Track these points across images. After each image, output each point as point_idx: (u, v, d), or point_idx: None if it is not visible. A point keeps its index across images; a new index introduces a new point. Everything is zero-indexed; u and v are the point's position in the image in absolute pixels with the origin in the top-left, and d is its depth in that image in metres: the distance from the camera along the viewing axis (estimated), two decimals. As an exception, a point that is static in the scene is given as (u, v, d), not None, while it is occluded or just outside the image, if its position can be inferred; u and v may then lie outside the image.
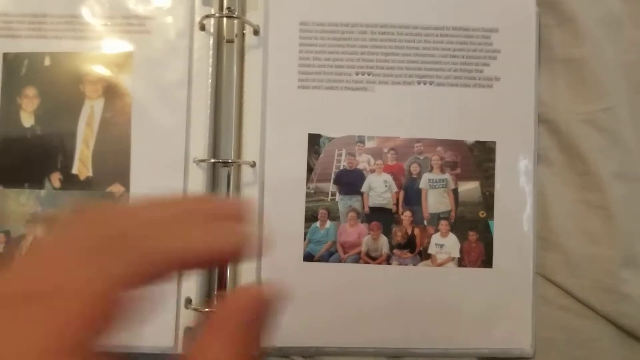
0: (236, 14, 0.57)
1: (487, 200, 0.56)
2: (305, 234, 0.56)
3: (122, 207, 0.32)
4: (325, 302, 0.56)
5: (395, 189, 0.57)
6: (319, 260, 0.56)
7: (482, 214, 0.56)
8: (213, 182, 0.58)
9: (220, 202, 0.38)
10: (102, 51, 0.58)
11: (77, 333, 0.24)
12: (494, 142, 0.57)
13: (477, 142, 0.57)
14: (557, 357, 0.56)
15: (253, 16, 0.58)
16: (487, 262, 0.56)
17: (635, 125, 0.56)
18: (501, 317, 0.56)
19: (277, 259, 0.55)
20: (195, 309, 0.55)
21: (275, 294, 0.28)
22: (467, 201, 0.56)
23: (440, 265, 0.56)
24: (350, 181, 0.57)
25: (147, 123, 0.58)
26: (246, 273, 0.56)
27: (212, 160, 0.56)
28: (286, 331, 0.50)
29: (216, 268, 0.56)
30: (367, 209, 0.57)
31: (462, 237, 0.56)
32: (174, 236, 0.27)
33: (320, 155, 0.57)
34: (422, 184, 0.57)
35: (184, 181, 0.57)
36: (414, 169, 0.57)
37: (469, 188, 0.57)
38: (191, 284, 0.56)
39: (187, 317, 0.56)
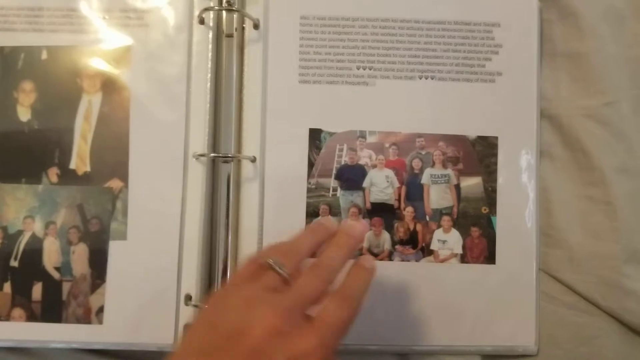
0: (236, 6, 0.57)
1: (490, 196, 0.56)
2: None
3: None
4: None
5: (397, 184, 0.56)
6: (320, 257, 0.55)
7: (485, 209, 0.56)
8: (213, 178, 0.57)
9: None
10: (99, 45, 0.58)
11: None
12: (496, 137, 0.56)
13: (479, 137, 0.56)
14: (561, 354, 0.55)
15: (253, 10, 0.57)
16: (490, 258, 0.55)
17: (639, 119, 0.56)
18: (504, 314, 0.55)
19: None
20: (195, 306, 0.55)
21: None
22: (469, 197, 0.56)
23: (442, 261, 0.56)
24: (352, 177, 0.56)
25: (145, 118, 0.57)
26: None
27: (212, 154, 0.56)
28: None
29: (216, 264, 0.56)
30: (368, 205, 0.56)
31: (464, 233, 0.56)
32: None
33: (322, 151, 0.56)
34: (424, 179, 0.56)
35: (183, 177, 0.56)
36: (416, 164, 0.56)
37: (472, 183, 0.56)
38: (191, 281, 0.55)
39: (187, 314, 0.55)
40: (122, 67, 0.57)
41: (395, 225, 0.56)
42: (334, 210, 0.56)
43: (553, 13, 0.58)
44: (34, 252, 0.56)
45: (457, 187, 0.56)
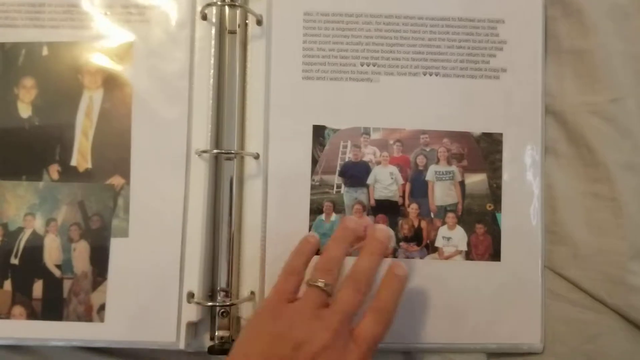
0: (238, 2, 0.56)
1: (495, 193, 0.56)
2: (311, 226, 0.55)
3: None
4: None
5: (401, 181, 0.56)
6: (324, 254, 0.55)
7: (490, 206, 0.56)
8: (215, 175, 0.56)
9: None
10: (101, 41, 0.57)
11: None
12: (501, 134, 0.56)
13: (484, 133, 0.56)
14: (567, 351, 0.55)
15: (256, 5, 0.57)
16: (495, 255, 0.55)
17: None
18: (510, 311, 0.55)
19: (282, 252, 0.53)
20: (197, 303, 0.54)
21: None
22: (474, 193, 0.56)
23: (447, 258, 0.55)
24: (356, 173, 0.56)
25: (147, 114, 0.57)
26: (250, 268, 0.55)
27: (215, 151, 0.55)
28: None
29: (219, 262, 0.56)
30: (372, 202, 0.56)
31: (469, 230, 0.55)
32: None
33: (325, 147, 0.56)
34: (429, 176, 0.56)
35: (186, 174, 0.56)
36: (420, 161, 0.56)
37: (476, 180, 0.56)
38: (193, 278, 0.55)
39: (189, 312, 0.55)
40: (124, 63, 0.57)
41: (400, 222, 0.56)
42: (338, 207, 0.55)
43: (558, 10, 0.58)
44: (34, 249, 0.56)
45: (462, 183, 0.56)
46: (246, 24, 0.57)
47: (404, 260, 0.55)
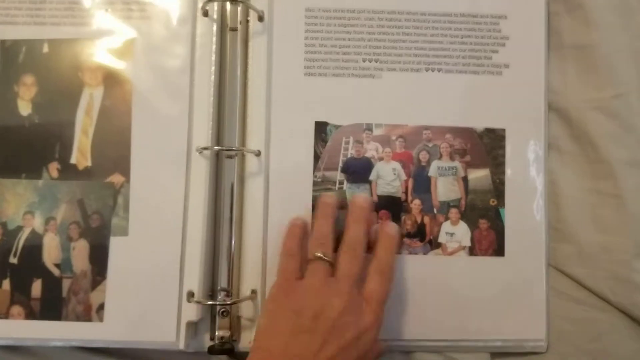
0: (240, -2, 0.57)
1: (498, 188, 0.55)
2: (313, 223, 0.54)
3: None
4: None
5: (404, 177, 0.56)
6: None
7: (493, 201, 0.55)
8: (216, 172, 0.56)
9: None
10: (101, 38, 0.57)
11: None
12: (504, 129, 0.56)
13: (487, 129, 0.56)
14: (571, 350, 0.55)
15: (257, 2, 0.57)
16: (498, 250, 0.55)
17: None
18: (514, 308, 0.55)
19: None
20: (197, 302, 0.53)
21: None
22: (477, 189, 0.55)
23: (450, 254, 0.55)
24: (358, 169, 0.56)
25: (148, 111, 0.56)
26: (251, 267, 0.55)
27: (216, 148, 0.55)
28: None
29: (220, 260, 0.55)
30: (375, 198, 0.55)
31: (472, 226, 0.55)
32: None
33: (327, 144, 0.56)
34: (432, 171, 0.56)
35: (186, 171, 0.55)
36: (423, 156, 0.56)
37: (479, 175, 0.55)
38: (193, 277, 0.54)
39: (189, 311, 0.54)
40: (124, 60, 0.57)
41: (403, 218, 0.55)
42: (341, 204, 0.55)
43: (560, 5, 0.58)
44: (33, 248, 0.55)
45: (465, 179, 0.56)
46: (247, 21, 0.57)
47: (407, 257, 0.55)
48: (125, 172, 0.56)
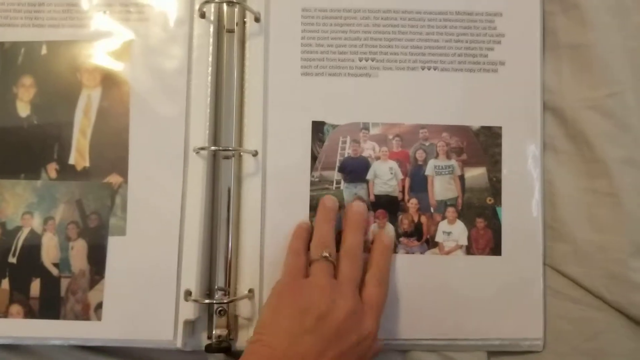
0: (236, -1, 0.57)
1: (495, 187, 0.55)
2: (311, 222, 0.55)
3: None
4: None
5: (400, 176, 0.56)
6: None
7: (490, 200, 0.55)
8: (214, 173, 0.56)
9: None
10: (99, 39, 0.58)
11: None
12: (500, 127, 0.56)
13: (483, 127, 0.56)
14: (568, 349, 0.54)
15: (254, 3, 0.57)
16: (495, 249, 0.55)
17: None
18: (511, 307, 0.54)
19: (281, 250, 0.53)
20: (195, 301, 0.54)
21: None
22: (474, 187, 0.55)
23: (447, 253, 0.55)
24: (355, 169, 0.56)
25: (145, 112, 0.57)
26: (249, 266, 0.55)
27: (213, 147, 0.55)
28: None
29: (217, 260, 0.55)
30: (372, 197, 0.55)
31: (469, 224, 0.55)
32: None
33: (325, 143, 0.56)
34: (428, 170, 0.56)
35: (184, 172, 0.56)
36: (420, 155, 0.56)
37: (476, 174, 0.55)
38: (190, 276, 0.54)
39: (187, 310, 0.54)
40: (122, 62, 0.57)
41: (400, 217, 0.55)
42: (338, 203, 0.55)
43: (556, 5, 0.58)
44: (32, 248, 0.55)
45: (462, 177, 0.56)
46: (244, 22, 0.57)
47: (404, 256, 0.55)
48: (123, 173, 0.56)
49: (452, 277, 0.55)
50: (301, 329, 0.46)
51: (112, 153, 0.56)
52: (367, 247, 0.54)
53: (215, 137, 0.56)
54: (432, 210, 0.55)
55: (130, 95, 0.57)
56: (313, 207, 0.55)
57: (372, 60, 0.56)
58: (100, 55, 0.57)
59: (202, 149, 0.55)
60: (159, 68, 0.57)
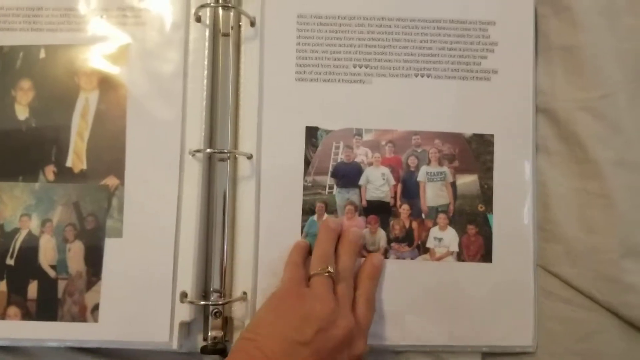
0: (232, 4, 0.57)
1: (486, 194, 0.56)
2: (303, 227, 0.55)
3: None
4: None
5: (393, 182, 0.56)
6: (316, 254, 0.55)
7: (481, 207, 0.56)
8: (209, 175, 0.57)
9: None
10: (97, 43, 0.58)
11: None
12: (492, 135, 0.56)
13: (475, 134, 0.56)
14: (560, 350, 0.55)
15: (249, 7, 0.58)
16: (486, 256, 0.55)
17: (635, 112, 0.56)
18: (502, 311, 0.55)
19: (275, 253, 0.54)
20: (190, 303, 0.54)
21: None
22: (465, 194, 0.56)
23: (439, 259, 0.55)
24: (348, 174, 0.56)
25: (142, 115, 0.57)
26: (243, 269, 0.56)
27: (208, 150, 0.56)
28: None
29: (212, 262, 0.56)
30: (364, 202, 0.56)
31: (461, 231, 0.55)
32: None
33: (318, 148, 0.56)
34: (420, 176, 0.56)
35: (180, 174, 0.56)
36: (412, 161, 0.56)
37: (468, 181, 0.56)
38: (186, 278, 0.55)
39: (182, 312, 0.55)
40: (119, 65, 0.58)
41: (391, 222, 0.56)
42: (330, 208, 0.56)
43: (548, 8, 0.58)
44: (29, 250, 0.56)
45: (453, 184, 0.56)
46: (239, 26, 0.58)
47: (395, 261, 0.55)
48: (120, 175, 0.57)
49: (443, 283, 0.55)
50: (299, 339, 0.46)
51: (109, 155, 0.57)
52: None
53: (210, 140, 0.57)
54: (423, 216, 0.56)
55: (127, 99, 0.57)
56: (306, 212, 0.56)
57: (366, 67, 0.57)
58: (97, 59, 0.58)
59: (198, 151, 0.56)
60: (156, 71, 0.57)
